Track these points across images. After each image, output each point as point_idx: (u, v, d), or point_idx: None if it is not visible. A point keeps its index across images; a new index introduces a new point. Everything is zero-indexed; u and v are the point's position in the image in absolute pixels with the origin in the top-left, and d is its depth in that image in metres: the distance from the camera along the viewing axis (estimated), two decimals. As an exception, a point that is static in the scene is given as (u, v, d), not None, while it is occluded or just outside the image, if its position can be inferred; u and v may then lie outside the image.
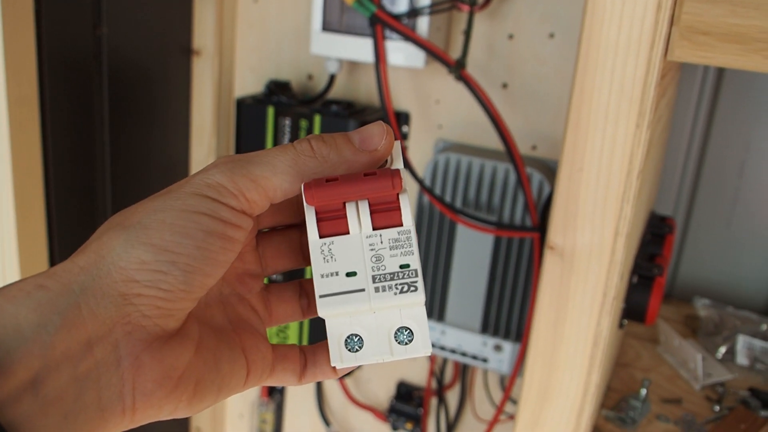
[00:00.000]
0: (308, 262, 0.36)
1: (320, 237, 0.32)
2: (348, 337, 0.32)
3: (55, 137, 0.76)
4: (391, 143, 0.33)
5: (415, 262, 0.31)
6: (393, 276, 0.31)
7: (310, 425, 1.12)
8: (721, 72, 0.90)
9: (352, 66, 0.92)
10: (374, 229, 0.32)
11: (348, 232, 0.32)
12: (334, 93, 0.93)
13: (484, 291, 0.86)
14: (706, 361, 0.79)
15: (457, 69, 0.78)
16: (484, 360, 0.89)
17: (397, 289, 0.31)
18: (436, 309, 0.90)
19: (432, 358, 0.98)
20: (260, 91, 0.94)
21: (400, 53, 0.82)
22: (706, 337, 0.85)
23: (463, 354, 0.90)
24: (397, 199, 0.32)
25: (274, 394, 1.11)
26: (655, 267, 0.65)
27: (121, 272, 0.29)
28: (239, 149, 0.91)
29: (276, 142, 0.89)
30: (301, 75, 0.96)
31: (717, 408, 0.72)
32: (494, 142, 0.86)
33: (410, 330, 0.32)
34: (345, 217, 0.32)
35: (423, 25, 0.80)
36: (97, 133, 0.84)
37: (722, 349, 0.82)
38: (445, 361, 0.98)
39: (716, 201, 0.94)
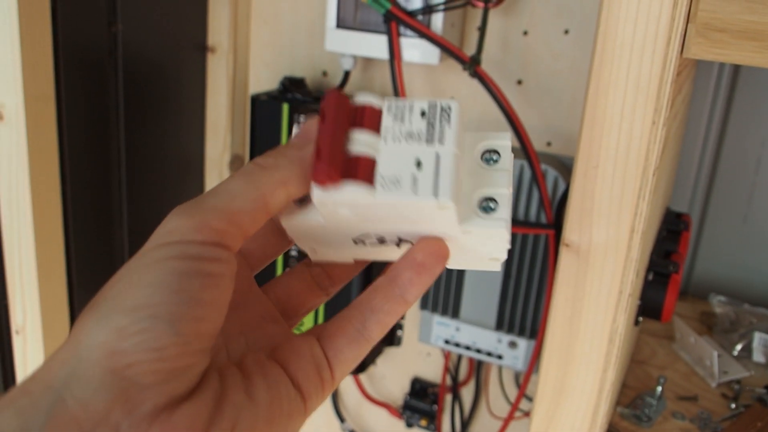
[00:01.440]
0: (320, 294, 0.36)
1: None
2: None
3: (71, 134, 0.77)
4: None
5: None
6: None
7: (324, 421, 1.12)
8: (736, 68, 0.90)
9: (367, 62, 0.92)
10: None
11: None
12: (349, 89, 0.93)
13: (499, 288, 0.86)
14: (722, 359, 0.78)
15: (472, 65, 0.78)
16: (499, 357, 0.89)
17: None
18: (450, 306, 0.90)
19: (447, 355, 0.98)
20: (275, 88, 0.95)
21: (415, 50, 0.82)
22: (721, 334, 0.84)
23: (478, 351, 0.90)
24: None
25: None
26: (671, 264, 0.65)
27: (102, 348, 0.26)
28: (254, 145, 0.92)
29: (291, 138, 0.89)
30: (315, 71, 0.96)
31: (733, 405, 0.72)
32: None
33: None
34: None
35: (437, 21, 0.80)
36: (112, 130, 0.84)
37: (738, 347, 0.82)
38: (459, 357, 0.98)
39: (732, 197, 0.94)
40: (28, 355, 0.77)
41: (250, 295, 0.35)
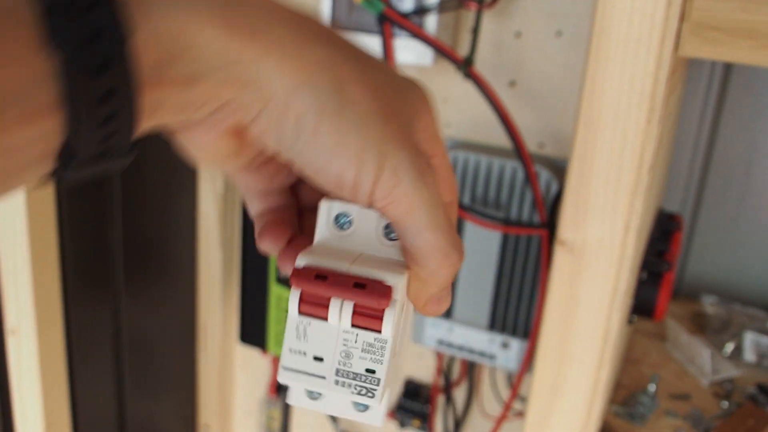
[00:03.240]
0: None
1: (299, 314, 0.31)
2: (310, 391, 0.32)
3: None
4: None
5: (380, 372, 0.31)
6: (356, 376, 0.31)
7: (317, 422, 1.12)
8: (728, 68, 0.91)
9: (360, 64, 0.92)
10: (352, 326, 0.31)
11: (327, 319, 0.31)
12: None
13: (492, 288, 0.87)
14: (714, 358, 0.79)
15: (465, 67, 0.78)
16: (492, 357, 0.90)
17: (355, 390, 0.31)
18: (443, 306, 0.90)
19: (439, 356, 0.98)
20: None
21: (408, 51, 0.82)
22: (713, 334, 0.85)
23: (471, 351, 0.90)
24: (383, 312, 0.31)
25: (282, 392, 1.12)
26: (664, 263, 0.65)
27: None
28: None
29: (284, 139, 0.89)
30: (309, 73, 0.96)
31: (725, 404, 0.73)
32: (502, 140, 0.87)
33: (367, 406, 0.32)
34: (327, 306, 0.31)
35: (431, 23, 0.81)
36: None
37: (730, 346, 0.82)
38: (452, 358, 0.98)
39: (724, 198, 0.95)
40: (23, 356, 0.77)
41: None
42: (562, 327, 0.56)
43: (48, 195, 0.75)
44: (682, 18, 0.47)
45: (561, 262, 0.54)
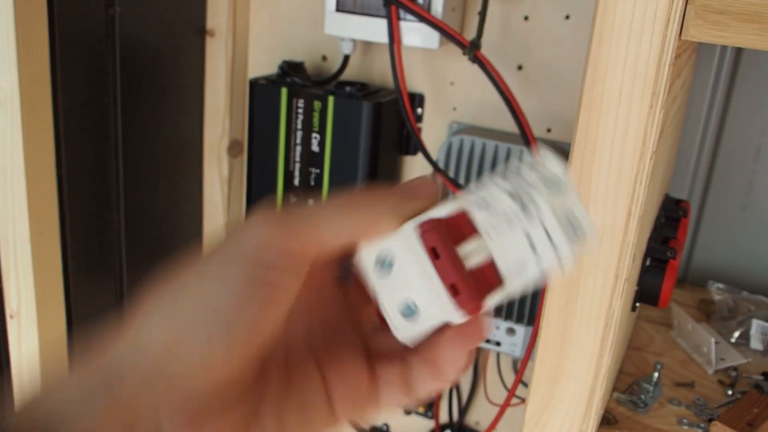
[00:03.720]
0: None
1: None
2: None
3: (67, 117, 0.76)
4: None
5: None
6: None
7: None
8: (738, 54, 0.89)
9: (367, 46, 0.92)
10: None
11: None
12: (348, 74, 0.93)
13: (497, 274, 0.86)
14: (720, 345, 0.78)
15: (472, 50, 0.77)
16: (497, 344, 0.89)
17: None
18: (448, 291, 0.90)
19: (444, 341, 0.97)
20: (274, 72, 0.94)
21: (415, 34, 0.81)
22: (720, 322, 0.84)
23: (476, 337, 0.90)
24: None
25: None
26: (669, 250, 0.65)
27: (159, 345, 0.27)
28: (252, 130, 0.91)
29: (289, 123, 0.89)
30: (315, 56, 0.95)
31: (730, 392, 0.72)
32: (509, 125, 0.86)
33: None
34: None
35: (438, 5, 0.80)
36: (109, 114, 0.84)
37: (736, 334, 0.82)
38: (457, 343, 0.98)
39: (732, 184, 0.93)
40: (23, 340, 0.77)
41: (324, 297, 0.35)
42: (564, 313, 0.55)
43: (50, 178, 0.74)
44: (687, 1, 0.46)
45: (562, 248, 0.54)
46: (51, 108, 0.73)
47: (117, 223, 0.87)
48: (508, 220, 0.30)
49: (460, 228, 0.30)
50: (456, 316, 0.30)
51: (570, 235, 0.30)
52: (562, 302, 0.55)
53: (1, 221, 0.73)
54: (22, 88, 0.69)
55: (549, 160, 0.32)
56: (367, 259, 0.32)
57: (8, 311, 0.77)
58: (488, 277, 0.30)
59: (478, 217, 0.31)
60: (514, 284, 0.31)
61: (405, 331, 0.32)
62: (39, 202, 0.73)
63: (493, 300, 0.30)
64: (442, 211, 0.31)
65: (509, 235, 0.30)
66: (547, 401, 0.58)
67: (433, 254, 0.30)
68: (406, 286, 0.31)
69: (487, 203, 0.31)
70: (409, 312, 0.31)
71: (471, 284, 0.30)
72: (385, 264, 0.32)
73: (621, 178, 0.50)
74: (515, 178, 0.31)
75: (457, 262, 0.30)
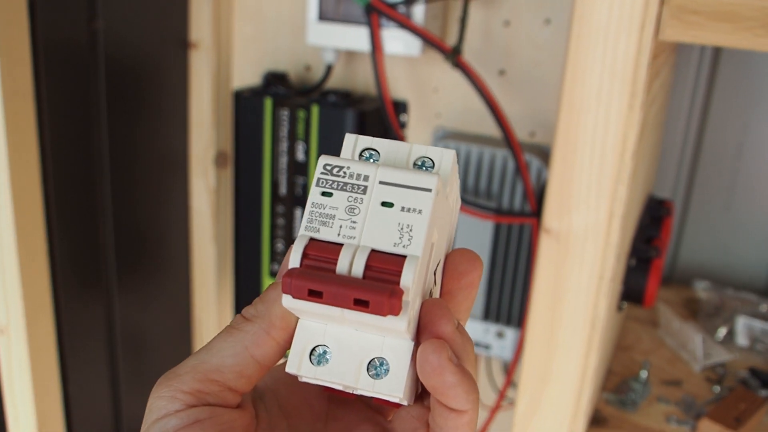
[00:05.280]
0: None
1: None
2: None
3: (52, 131, 0.76)
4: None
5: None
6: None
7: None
8: (717, 53, 0.90)
9: (349, 56, 0.92)
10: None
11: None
12: (332, 83, 0.93)
13: (486, 278, 0.87)
14: (706, 343, 0.79)
15: (453, 56, 0.78)
16: (487, 347, 0.90)
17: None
18: (437, 297, 0.90)
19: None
20: (258, 83, 0.94)
21: (397, 42, 0.82)
22: (706, 319, 0.85)
23: (465, 341, 0.90)
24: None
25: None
26: (653, 249, 0.65)
27: None
28: (238, 141, 0.91)
29: (274, 133, 0.89)
30: (298, 66, 0.96)
31: (717, 389, 0.73)
32: (493, 130, 0.87)
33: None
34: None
35: (419, 13, 0.80)
36: (95, 127, 0.84)
37: (722, 331, 0.82)
38: (447, 348, 0.98)
39: (715, 183, 0.94)
40: (13, 355, 0.77)
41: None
42: (550, 315, 0.56)
43: (35, 191, 0.74)
44: (663, 2, 0.47)
45: (547, 250, 0.54)
46: (35, 121, 0.73)
47: (105, 236, 0.87)
48: (351, 208, 0.28)
49: (322, 254, 0.28)
50: (394, 324, 0.27)
51: (419, 173, 0.28)
52: (547, 303, 0.55)
53: (-12, 237, 0.73)
54: (6, 101, 0.69)
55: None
56: (306, 370, 0.29)
57: (-4, 327, 0.77)
58: (381, 266, 0.27)
59: (326, 232, 0.28)
60: (414, 245, 0.27)
61: (394, 387, 0.28)
62: (25, 215, 0.73)
63: (408, 276, 0.27)
64: (293, 261, 0.28)
65: (368, 218, 0.28)
66: (536, 402, 0.59)
67: (315, 296, 0.27)
68: (352, 354, 0.29)
69: (325, 216, 0.29)
70: (375, 368, 0.29)
71: (372, 286, 0.26)
72: (321, 356, 0.29)
73: (602, 179, 0.51)
74: (328, 178, 0.29)
75: (342, 280, 0.27)
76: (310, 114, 0.87)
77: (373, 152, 0.30)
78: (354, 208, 0.28)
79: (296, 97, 0.89)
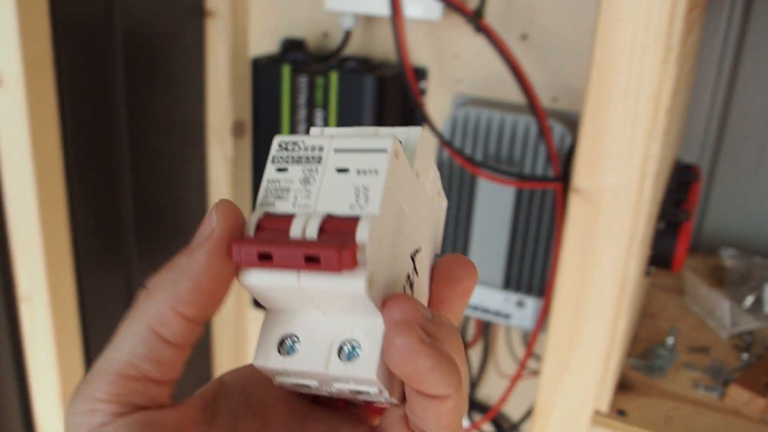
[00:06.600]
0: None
1: None
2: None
3: (71, 100, 0.76)
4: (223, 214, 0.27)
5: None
6: None
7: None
8: (747, 12, 0.88)
9: (368, 21, 0.91)
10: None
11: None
12: (350, 49, 0.92)
13: (506, 247, 0.86)
14: (734, 310, 0.78)
15: (476, 19, 0.76)
16: (507, 316, 0.89)
17: None
18: (457, 266, 0.89)
19: (454, 317, 0.97)
20: (275, 50, 0.93)
21: (416, 5, 0.80)
22: (732, 287, 0.84)
23: (486, 311, 0.90)
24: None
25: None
26: (682, 212, 0.64)
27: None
28: (256, 109, 0.90)
29: (293, 100, 0.88)
30: (316, 32, 0.94)
31: (745, 356, 0.71)
32: (514, 96, 0.85)
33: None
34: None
35: (439, -25, 0.79)
36: (113, 96, 0.83)
37: (749, 299, 0.81)
38: (467, 318, 0.98)
39: (743, 148, 0.93)
40: (36, 323, 0.77)
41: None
42: (578, 277, 0.55)
43: (56, 162, 0.74)
44: (699, -50, 0.45)
45: (576, 210, 0.53)
46: (55, 91, 0.72)
47: (124, 205, 0.87)
48: (306, 179, 0.27)
49: (275, 225, 0.27)
50: (353, 285, 0.25)
51: (374, 138, 0.28)
52: (576, 265, 0.54)
53: (10, 205, 0.72)
54: (26, 71, 0.68)
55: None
56: (274, 362, 0.27)
57: (21, 295, 0.76)
58: (335, 228, 0.26)
59: (281, 205, 0.27)
60: (371, 204, 0.26)
61: (366, 368, 0.26)
62: (47, 186, 0.73)
63: (362, 231, 0.25)
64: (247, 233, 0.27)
65: (323, 186, 0.27)
66: (564, 367, 0.58)
67: (266, 259, 0.25)
68: (322, 340, 0.27)
69: (280, 189, 0.27)
70: (346, 351, 0.27)
71: (323, 242, 0.25)
72: (290, 347, 0.28)
73: (634, 136, 0.50)
74: (282, 154, 0.28)
75: (293, 241, 0.25)
76: (329, 81, 0.85)
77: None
78: (309, 179, 0.27)
79: (314, 64, 0.88)
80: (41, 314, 0.77)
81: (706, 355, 0.71)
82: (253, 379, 0.31)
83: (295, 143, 0.28)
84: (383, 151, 0.27)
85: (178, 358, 0.27)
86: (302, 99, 0.88)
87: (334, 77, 0.85)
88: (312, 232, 0.25)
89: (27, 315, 0.77)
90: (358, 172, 0.26)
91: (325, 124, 0.87)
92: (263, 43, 0.98)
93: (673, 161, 0.76)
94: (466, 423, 1.01)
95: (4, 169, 0.72)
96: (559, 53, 0.83)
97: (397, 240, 0.27)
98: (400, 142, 0.28)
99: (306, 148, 0.28)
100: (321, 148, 0.28)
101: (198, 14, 0.95)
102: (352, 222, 0.25)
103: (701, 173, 0.76)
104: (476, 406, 1.01)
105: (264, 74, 0.89)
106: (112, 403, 0.25)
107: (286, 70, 0.87)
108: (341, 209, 0.26)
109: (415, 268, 0.29)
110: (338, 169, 0.27)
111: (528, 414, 0.96)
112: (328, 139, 0.28)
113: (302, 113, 0.88)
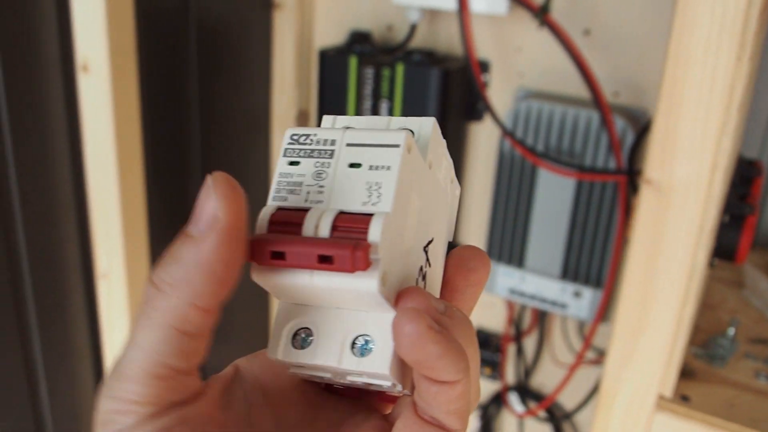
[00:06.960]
0: None
1: None
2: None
3: (150, 87, 0.79)
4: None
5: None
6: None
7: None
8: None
9: (433, 15, 0.93)
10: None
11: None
12: (414, 43, 0.94)
13: (565, 237, 0.87)
14: (794, 304, 0.79)
15: (541, 15, 0.78)
16: (563, 306, 0.91)
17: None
18: (516, 256, 0.91)
19: (510, 305, 0.99)
20: (340, 42, 0.96)
21: (482, 1, 0.82)
22: (791, 283, 0.84)
23: (543, 300, 0.91)
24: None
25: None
26: (747, 206, 0.65)
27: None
28: (322, 99, 0.93)
29: (359, 91, 0.90)
30: (381, 25, 0.97)
31: (806, 349, 0.72)
32: (575, 90, 0.87)
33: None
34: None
35: (506, -29, 0.81)
36: (187, 85, 0.86)
37: (809, 294, 0.82)
38: (522, 308, 1.00)
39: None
40: (114, 300, 0.81)
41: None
42: (647, 264, 0.56)
43: (137, 146, 0.77)
44: (778, -49, 0.47)
45: (647, 201, 0.55)
46: (136, 78, 0.76)
47: (194, 189, 0.91)
48: (318, 173, 0.27)
49: (288, 220, 0.26)
50: (366, 285, 0.25)
51: (387, 132, 0.28)
52: (646, 254, 0.56)
53: (93, 185, 0.76)
54: (111, 59, 0.72)
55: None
56: (287, 355, 0.28)
57: (99, 272, 0.80)
58: (348, 225, 0.26)
59: (293, 200, 0.27)
60: (384, 201, 0.26)
61: (379, 363, 0.26)
62: (127, 167, 0.76)
63: (375, 230, 0.25)
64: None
65: (335, 181, 0.27)
66: (630, 352, 0.60)
67: (279, 258, 0.25)
68: (335, 334, 0.27)
69: (293, 183, 0.27)
70: (359, 346, 0.27)
71: (336, 241, 0.25)
72: (303, 340, 0.28)
73: (707, 130, 0.51)
74: (295, 147, 0.28)
75: (306, 239, 0.25)
76: (395, 72, 0.88)
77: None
78: (321, 173, 0.27)
79: (381, 55, 0.90)
80: (118, 291, 0.80)
81: (766, 347, 0.73)
82: (267, 366, 0.31)
83: (307, 136, 0.28)
84: (396, 146, 0.27)
85: (203, 344, 0.27)
86: (368, 90, 0.90)
87: (400, 69, 0.87)
88: (325, 230, 0.25)
89: (104, 292, 0.81)
90: (371, 167, 0.27)
91: (390, 114, 0.90)
92: (328, 35, 1.01)
93: (737, 155, 0.77)
94: (520, 408, 1.03)
95: (88, 151, 0.76)
96: (621, 49, 0.84)
97: (410, 234, 0.28)
98: (413, 133, 0.29)
99: (318, 142, 0.28)
100: (333, 142, 0.28)
101: (266, 7, 0.98)
102: (364, 220, 0.25)
103: (764, 168, 0.77)
104: (530, 393, 1.03)
105: (331, 65, 0.92)
106: (149, 404, 0.25)
107: (353, 61, 0.90)
108: (354, 206, 0.26)
109: (428, 260, 0.30)
110: (351, 164, 0.27)
111: (584, 403, 0.98)
112: (341, 132, 0.28)
113: (368, 103, 0.91)
